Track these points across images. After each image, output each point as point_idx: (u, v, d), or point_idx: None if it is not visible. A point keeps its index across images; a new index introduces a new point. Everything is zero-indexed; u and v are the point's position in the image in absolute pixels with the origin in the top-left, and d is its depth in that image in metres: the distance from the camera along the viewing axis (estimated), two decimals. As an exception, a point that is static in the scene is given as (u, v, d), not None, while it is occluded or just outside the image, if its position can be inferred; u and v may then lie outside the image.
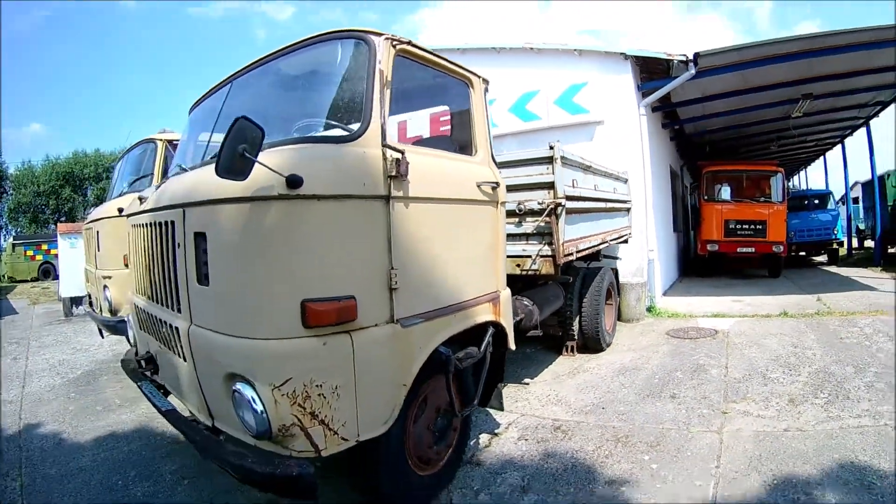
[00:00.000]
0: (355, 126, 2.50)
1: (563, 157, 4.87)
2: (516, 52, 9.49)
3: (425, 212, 2.78)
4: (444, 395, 3.10)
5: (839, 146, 17.79)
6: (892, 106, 12.64)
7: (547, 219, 4.84)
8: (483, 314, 3.28)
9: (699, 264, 13.46)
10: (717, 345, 6.32)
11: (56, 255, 16.71)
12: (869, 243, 17.91)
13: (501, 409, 3.81)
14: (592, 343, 6.23)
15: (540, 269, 4.94)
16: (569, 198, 4.94)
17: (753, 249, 12.18)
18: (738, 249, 12.26)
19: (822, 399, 4.31)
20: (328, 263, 2.29)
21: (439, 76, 3.29)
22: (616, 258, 8.12)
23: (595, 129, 8.88)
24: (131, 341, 3.97)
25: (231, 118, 2.05)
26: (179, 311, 2.65)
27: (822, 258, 15.87)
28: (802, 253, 16.07)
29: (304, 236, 2.24)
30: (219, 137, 2.89)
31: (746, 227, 12.19)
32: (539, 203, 4.86)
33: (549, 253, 4.89)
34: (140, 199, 3.34)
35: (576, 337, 6.16)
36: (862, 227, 19.22)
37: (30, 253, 24.41)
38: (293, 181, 2.15)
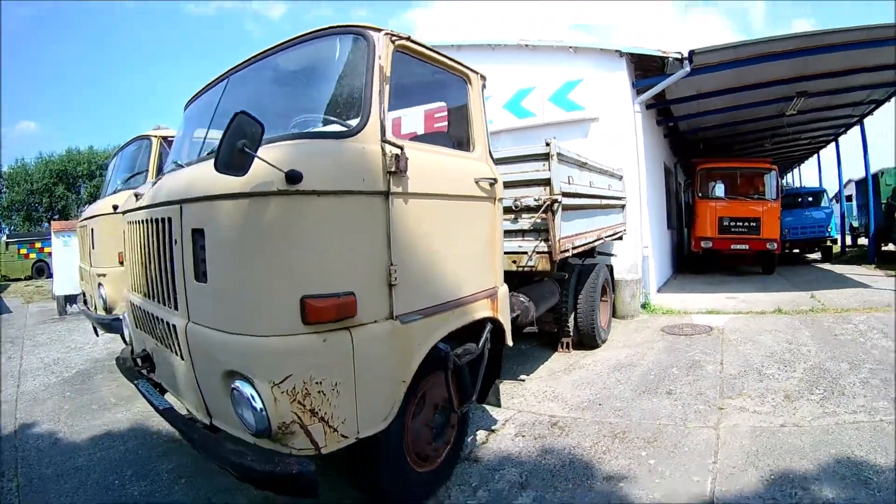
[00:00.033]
0: (354, 122, 2.49)
1: (559, 154, 4.87)
2: (511, 48, 9.46)
3: (424, 208, 2.78)
4: (443, 391, 3.10)
5: (833, 144, 17.89)
6: (888, 104, 12.69)
7: (543, 215, 4.84)
8: (481, 310, 3.28)
9: (693, 261, 13.51)
10: (712, 341, 6.34)
11: (50, 254, 16.64)
12: (862, 241, 18.04)
13: (499, 405, 3.81)
14: (588, 339, 6.24)
15: (536, 265, 4.95)
16: (565, 194, 4.95)
17: (747, 246, 12.24)
18: (732, 246, 12.31)
19: (818, 395, 4.33)
20: (328, 259, 2.28)
21: (437, 72, 3.28)
22: (611, 255, 8.14)
23: (590, 126, 8.87)
24: (126, 339, 3.94)
25: (227, 114, 2.04)
26: (177, 308, 2.63)
27: (816, 255, 15.96)
28: (796, 250, 16.15)
29: (304, 232, 2.23)
30: (215, 134, 2.89)
31: (740, 224, 12.25)
32: (535, 199, 4.86)
33: (546, 249, 4.90)
34: (136, 195, 3.31)
35: (571, 333, 6.17)
36: (855, 224, 19.35)
37: (23, 251, 24.23)
38: (293, 177, 2.13)
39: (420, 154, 2.80)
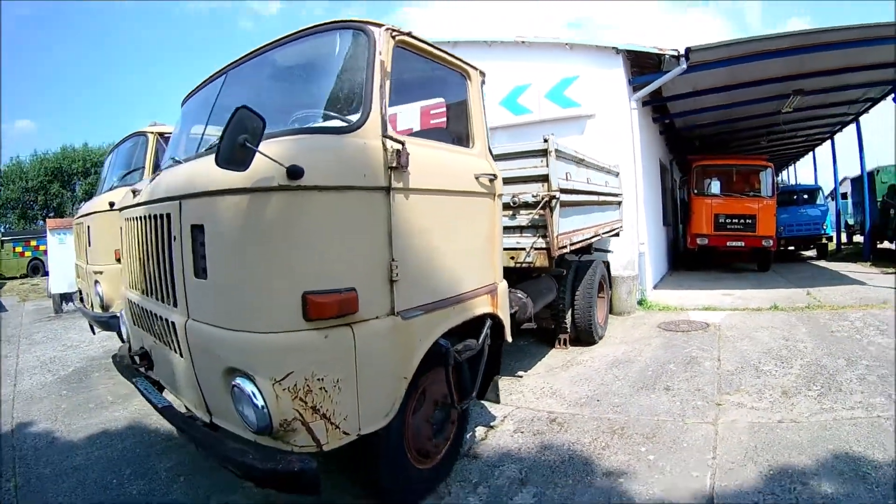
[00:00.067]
0: (355, 117, 2.48)
1: (557, 150, 4.87)
2: (507, 45, 9.46)
3: (425, 203, 2.77)
4: (443, 387, 3.09)
5: (829, 142, 17.93)
6: (884, 102, 12.72)
7: (541, 211, 4.84)
8: (481, 306, 3.28)
9: (689, 258, 13.55)
10: (709, 337, 6.36)
11: (45, 252, 16.55)
12: (858, 238, 18.10)
13: (498, 401, 3.81)
14: (585, 336, 6.26)
15: (534, 261, 4.95)
16: (563, 191, 4.95)
17: (743, 244, 12.26)
18: (728, 243, 12.33)
19: (815, 391, 4.35)
20: (329, 255, 2.27)
21: (437, 68, 3.27)
22: (607, 251, 8.16)
23: (586, 123, 8.88)
24: (124, 337, 3.92)
25: (226, 110, 2.03)
26: (175, 305, 2.61)
27: (812, 253, 16.04)
28: (791, 247, 16.20)
29: (305, 228, 2.21)
30: (213, 130, 2.87)
31: (736, 221, 12.27)
32: (533, 196, 4.87)
33: (544, 245, 4.91)
34: (133, 192, 3.29)
35: (568, 330, 6.19)
36: (851, 222, 19.42)
37: (18, 249, 24.07)
38: (294, 172, 2.12)
39: (420, 150, 2.79)
